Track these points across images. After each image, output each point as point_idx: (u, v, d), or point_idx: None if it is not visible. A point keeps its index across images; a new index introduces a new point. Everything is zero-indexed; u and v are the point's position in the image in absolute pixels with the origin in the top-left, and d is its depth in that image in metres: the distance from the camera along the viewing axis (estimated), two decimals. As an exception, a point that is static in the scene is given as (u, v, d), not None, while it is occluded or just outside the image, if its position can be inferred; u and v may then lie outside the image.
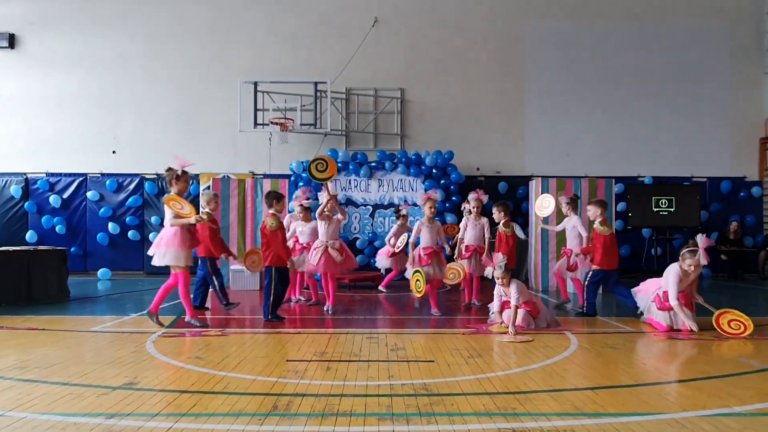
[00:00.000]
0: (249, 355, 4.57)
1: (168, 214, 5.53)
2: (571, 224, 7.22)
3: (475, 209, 7.29)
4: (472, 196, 7.42)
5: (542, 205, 7.71)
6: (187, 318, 5.87)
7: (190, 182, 5.85)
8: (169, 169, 5.73)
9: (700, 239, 5.46)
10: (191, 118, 12.60)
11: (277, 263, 6.06)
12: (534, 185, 9.75)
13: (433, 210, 6.60)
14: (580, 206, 7.60)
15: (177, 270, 5.66)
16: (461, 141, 12.57)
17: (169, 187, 5.71)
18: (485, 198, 7.40)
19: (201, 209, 7.20)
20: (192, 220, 5.51)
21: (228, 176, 11.45)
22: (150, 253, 5.73)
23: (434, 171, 11.61)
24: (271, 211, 6.29)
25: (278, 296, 6.10)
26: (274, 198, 6.30)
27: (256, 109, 11.59)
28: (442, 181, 11.53)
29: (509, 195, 12.22)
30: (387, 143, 12.71)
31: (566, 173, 12.00)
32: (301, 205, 7.42)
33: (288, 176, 11.51)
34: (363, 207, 11.42)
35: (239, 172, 12.31)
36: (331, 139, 12.51)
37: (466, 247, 7.01)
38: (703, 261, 5.33)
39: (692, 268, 5.46)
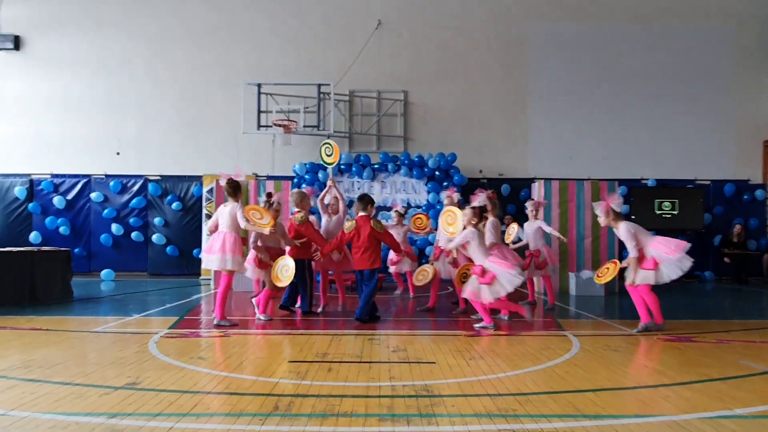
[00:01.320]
0: (251, 356, 4.57)
1: (240, 220, 5.80)
2: (536, 226, 7.35)
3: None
4: (444, 193, 7.34)
5: (508, 233, 7.71)
6: (217, 320, 5.97)
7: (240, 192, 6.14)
8: (231, 181, 5.99)
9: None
10: (195, 119, 12.65)
11: (304, 255, 6.39)
12: (537, 187, 9.74)
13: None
14: (547, 210, 7.61)
15: (228, 273, 5.92)
16: (464, 143, 12.59)
17: (229, 197, 5.98)
18: (456, 196, 7.13)
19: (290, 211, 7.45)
20: (266, 231, 5.81)
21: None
22: (206, 256, 5.97)
23: (437, 173, 11.62)
24: (296, 210, 6.57)
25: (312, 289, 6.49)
26: (299, 196, 6.61)
27: (259, 111, 11.63)
28: (445, 183, 11.54)
29: (512, 197, 12.22)
30: (390, 145, 12.74)
31: (569, 175, 12.01)
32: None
33: (291, 178, 11.54)
34: (385, 212, 11.44)
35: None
36: (334, 141, 12.56)
37: (441, 249, 6.82)
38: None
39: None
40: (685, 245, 5.48)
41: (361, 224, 6.19)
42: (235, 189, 6.00)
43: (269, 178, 12.12)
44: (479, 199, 6.35)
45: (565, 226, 9.28)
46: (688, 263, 5.40)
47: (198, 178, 12.36)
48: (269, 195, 6.40)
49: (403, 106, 12.74)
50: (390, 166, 11.64)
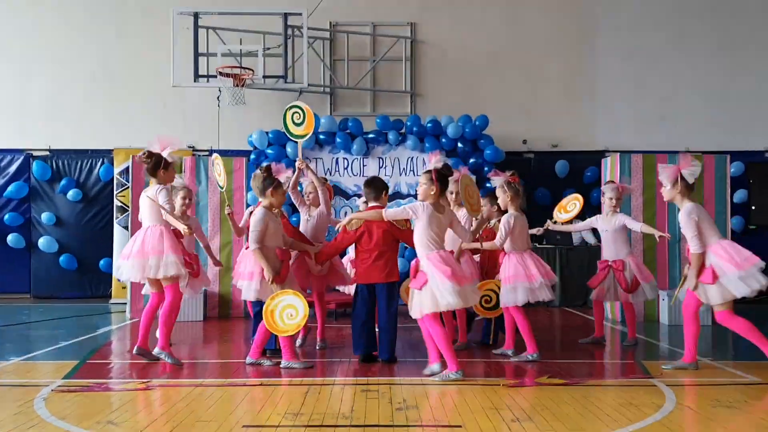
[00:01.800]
0: (186, 419, 4.54)
1: (161, 201, 6.06)
2: (617, 223, 7.48)
3: (455, 195, 6.99)
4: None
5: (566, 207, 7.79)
6: (158, 350, 6.30)
7: (168, 170, 6.31)
8: (148, 155, 6.21)
9: None
10: (102, 67, 12.62)
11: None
12: (609, 164, 9.72)
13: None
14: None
15: (168, 283, 6.23)
16: (500, 100, 12.55)
17: (151, 177, 6.28)
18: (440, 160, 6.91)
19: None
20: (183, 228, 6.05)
21: (155, 153, 11.50)
22: (123, 264, 6.25)
23: (460, 145, 11.62)
24: (373, 204, 6.55)
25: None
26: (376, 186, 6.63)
27: (197, 54, 11.60)
28: (472, 160, 11.54)
29: (572, 179, 12.20)
30: (391, 105, 12.67)
31: (658, 146, 11.99)
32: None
33: (246, 153, 11.50)
34: (356, 198, 11.38)
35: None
36: (309, 99, 12.45)
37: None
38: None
39: None
40: (757, 262, 5.72)
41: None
42: (156, 165, 6.19)
43: (214, 152, 12.07)
44: (496, 182, 6.59)
45: (651, 222, 9.24)
46: (757, 282, 5.64)
47: (107, 154, 12.32)
48: (267, 170, 6.28)
49: (410, 47, 12.66)
50: (391, 136, 11.61)
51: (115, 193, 11.83)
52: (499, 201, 6.74)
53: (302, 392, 5.27)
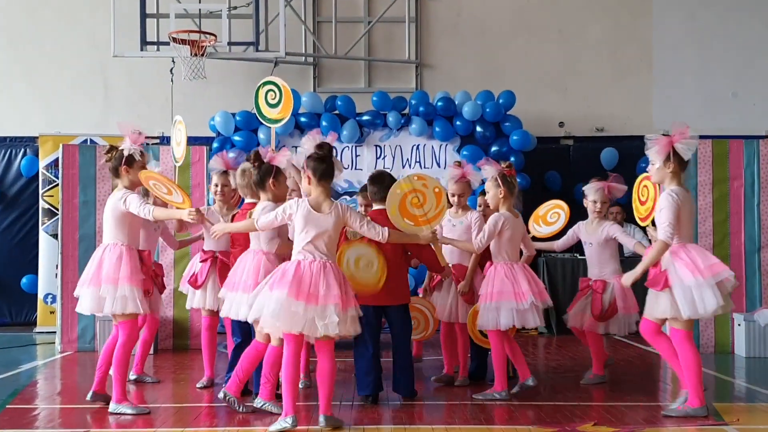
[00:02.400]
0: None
1: (135, 206, 6.13)
2: (602, 233, 7.62)
3: (457, 197, 7.31)
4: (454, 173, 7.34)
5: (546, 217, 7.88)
6: (114, 405, 6.22)
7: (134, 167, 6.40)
8: (111, 150, 6.37)
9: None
10: (23, 33, 12.60)
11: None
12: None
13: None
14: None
15: (122, 319, 6.22)
16: (529, 73, 12.56)
17: (115, 179, 6.43)
18: (474, 178, 7.26)
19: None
20: (185, 215, 6.08)
21: (92, 140, 11.41)
22: (81, 293, 6.33)
23: (479, 129, 11.62)
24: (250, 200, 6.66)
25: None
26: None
27: (144, 16, 11.58)
28: (495, 148, 11.50)
29: (621, 171, 12.04)
30: (391, 79, 12.68)
31: (731, 130, 12.01)
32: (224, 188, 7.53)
33: (207, 140, 11.47)
34: (347, 198, 11.37)
35: (114, 133, 12.18)
36: (287, 72, 12.45)
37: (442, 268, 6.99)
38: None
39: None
40: (723, 270, 5.87)
41: (384, 224, 6.22)
42: (118, 161, 6.28)
43: (166, 140, 12.05)
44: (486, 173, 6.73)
45: (724, 224, 9.26)
46: (711, 302, 5.79)
47: (30, 143, 12.31)
48: (256, 157, 6.30)
49: (416, 5, 12.67)
50: (392, 118, 11.61)
51: (40, 192, 11.75)
52: (488, 197, 6.82)
53: (280, 445, 5.28)
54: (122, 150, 6.27)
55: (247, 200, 6.68)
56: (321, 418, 5.65)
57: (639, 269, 6.04)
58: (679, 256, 5.89)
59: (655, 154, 6.03)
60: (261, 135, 11.37)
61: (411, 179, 6.12)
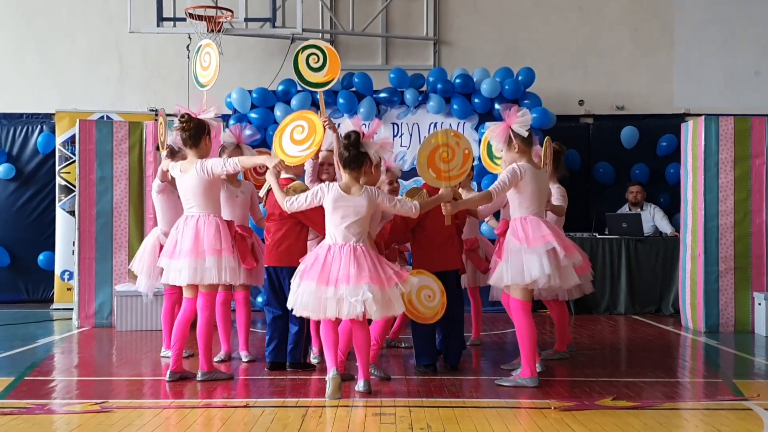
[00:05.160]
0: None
1: (225, 165, 6.31)
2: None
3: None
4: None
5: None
6: (202, 373, 6.43)
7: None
8: (189, 120, 6.41)
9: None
10: (38, 9, 12.64)
11: (288, 262, 6.61)
12: (691, 131, 9.68)
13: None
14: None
15: (207, 290, 6.44)
16: (549, 50, 12.53)
17: (188, 150, 6.47)
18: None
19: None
20: (267, 159, 6.31)
21: (108, 117, 11.43)
22: (168, 263, 6.41)
23: (497, 106, 11.50)
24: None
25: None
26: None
27: (160, -8, 11.61)
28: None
29: (642, 150, 12.16)
30: (409, 56, 12.66)
31: (753, 108, 11.93)
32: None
33: (225, 117, 11.49)
34: None
35: (129, 109, 12.32)
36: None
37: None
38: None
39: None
40: (551, 240, 6.06)
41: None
42: (197, 132, 6.38)
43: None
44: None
45: (745, 202, 9.22)
46: (536, 270, 5.98)
47: (47, 119, 12.36)
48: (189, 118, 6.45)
49: (435, -20, 12.69)
50: (409, 95, 11.60)
51: (57, 168, 11.80)
52: (503, 159, 6.66)
53: (299, 415, 5.34)
54: (205, 121, 6.40)
55: (283, 175, 6.65)
56: (361, 383, 5.92)
57: (460, 204, 6.30)
58: (514, 226, 6.17)
59: (498, 142, 6.38)
60: (278, 112, 11.38)
61: (447, 133, 6.21)
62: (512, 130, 6.20)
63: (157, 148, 7.60)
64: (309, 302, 5.64)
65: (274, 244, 6.66)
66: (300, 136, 6.40)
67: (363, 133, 6.22)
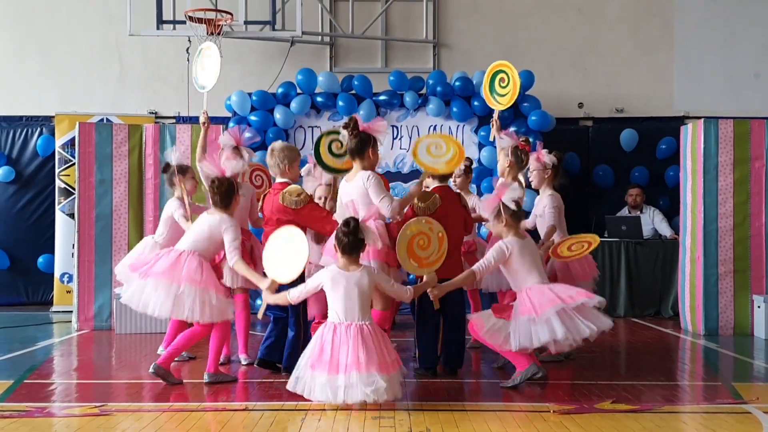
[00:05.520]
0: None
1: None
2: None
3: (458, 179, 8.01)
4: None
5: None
6: (208, 375, 6.51)
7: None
8: (222, 181, 6.47)
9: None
10: (38, 11, 12.64)
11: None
12: (690, 134, 9.68)
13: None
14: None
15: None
16: (548, 52, 12.53)
17: (215, 208, 6.49)
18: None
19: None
20: (263, 283, 6.24)
21: (108, 119, 11.44)
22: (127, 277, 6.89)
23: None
24: (281, 179, 6.82)
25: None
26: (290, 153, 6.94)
27: (160, -5, 11.61)
28: (513, 128, 11.42)
29: (641, 153, 12.18)
30: (408, 59, 12.66)
31: (753, 111, 11.91)
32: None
33: (224, 120, 11.49)
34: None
35: (129, 112, 12.33)
36: (304, 51, 12.50)
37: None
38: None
39: None
40: (558, 303, 6.08)
41: (447, 200, 6.71)
42: (228, 193, 6.44)
43: (182, 120, 12.10)
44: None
45: (744, 205, 9.23)
46: (545, 335, 6.02)
47: (46, 122, 12.36)
48: (354, 125, 6.59)
49: (434, -17, 12.69)
50: (409, 98, 11.58)
51: (57, 171, 11.80)
52: (499, 166, 7.14)
53: (297, 418, 5.35)
54: (235, 181, 6.52)
55: (278, 180, 6.75)
56: None
57: (450, 284, 6.31)
58: (521, 299, 6.22)
59: (485, 212, 6.53)
60: (278, 114, 11.38)
61: (420, 222, 6.24)
62: (502, 203, 6.32)
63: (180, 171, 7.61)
64: (323, 392, 5.58)
65: None
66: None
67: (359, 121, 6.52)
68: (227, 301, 6.47)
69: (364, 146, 6.43)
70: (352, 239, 5.75)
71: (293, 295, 5.93)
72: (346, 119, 6.71)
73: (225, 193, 6.38)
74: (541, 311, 6.03)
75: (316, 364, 5.61)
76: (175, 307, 6.19)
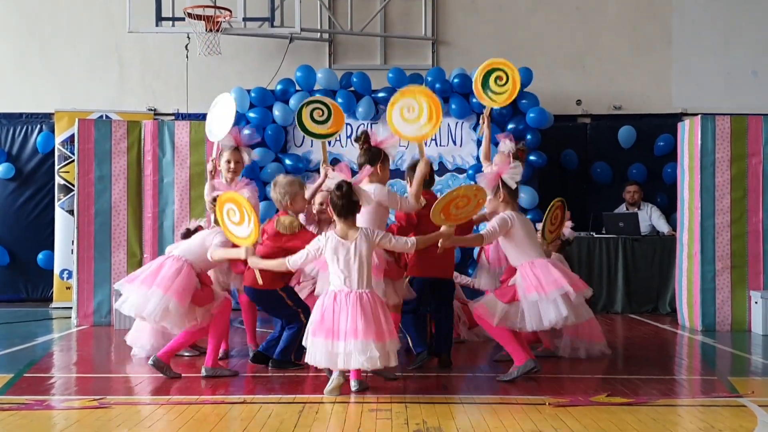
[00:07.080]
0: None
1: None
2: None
3: None
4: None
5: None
6: (206, 369, 6.56)
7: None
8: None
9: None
10: (37, 8, 12.66)
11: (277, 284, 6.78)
12: (687, 130, 9.71)
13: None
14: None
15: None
16: (547, 50, 12.54)
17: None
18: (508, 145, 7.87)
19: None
20: (241, 253, 6.32)
21: (107, 116, 11.45)
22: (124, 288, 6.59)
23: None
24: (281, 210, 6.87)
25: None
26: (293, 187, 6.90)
27: (159, -8, 11.63)
28: (511, 126, 11.45)
29: (639, 150, 12.20)
30: (407, 56, 12.66)
31: (750, 108, 11.90)
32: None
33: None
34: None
35: (128, 109, 12.34)
36: (303, 48, 12.51)
37: None
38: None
39: None
40: (564, 285, 6.17)
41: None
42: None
43: (180, 117, 12.12)
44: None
45: (742, 201, 9.26)
46: (551, 315, 6.13)
47: (46, 119, 12.38)
48: (365, 139, 6.83)
49: (433, -20, 12.70)
50: (408, 95, 11.59)
51: (56, 168, 11.80)
52: (482, 149, 7.46)
53: (295, 411, 5.35)
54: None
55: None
56: (353, 383, 5.87)
57: (460, 239, 6.67)
58: (525, 273, 6.26)
59: (485, 188, 6.45)
60: (276, 112, 11.40)
61: (470, 188, 6.28)
62: (502, 179, 6.39)
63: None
64: (322, 357, 5.70)
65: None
66: (235, 218, 6.29)
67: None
68: (203, 309, 6.48)
69: (374, 160, 6.57)
70: (346, 201, 5.87)
71: (294, 261, 6.02)
72: (358, 132, 6.83)
73: None
74: (548, 290, 6.12)
75: (317, 331, 5.75)
76: (143, 311, 6.32)
